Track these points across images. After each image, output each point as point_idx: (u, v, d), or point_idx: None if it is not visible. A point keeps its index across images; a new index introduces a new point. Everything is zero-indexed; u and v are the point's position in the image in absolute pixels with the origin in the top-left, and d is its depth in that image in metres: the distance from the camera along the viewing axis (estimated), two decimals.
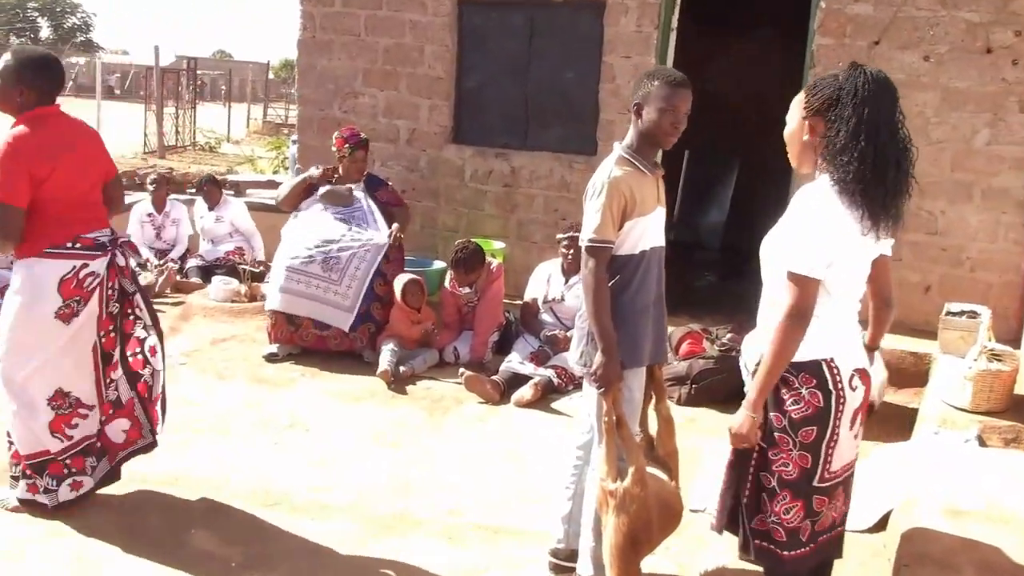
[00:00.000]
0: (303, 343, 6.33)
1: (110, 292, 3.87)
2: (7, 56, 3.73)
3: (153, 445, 4.14)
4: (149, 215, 8.50)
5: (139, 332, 4.00)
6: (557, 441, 4.91)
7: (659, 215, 3.38)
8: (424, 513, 4.24)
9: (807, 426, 2.71)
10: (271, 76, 39.43)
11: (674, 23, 7.20)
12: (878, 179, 2.55)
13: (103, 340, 3.93)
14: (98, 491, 4.10)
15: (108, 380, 3.98)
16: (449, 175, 7.94)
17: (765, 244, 2.80)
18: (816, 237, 2.60)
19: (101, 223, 3.88)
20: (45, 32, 56.04)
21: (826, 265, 2.61)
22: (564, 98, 7.63)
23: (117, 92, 40.24)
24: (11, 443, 3.93)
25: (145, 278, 7.71)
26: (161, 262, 8.20)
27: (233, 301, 7.35)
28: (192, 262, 8.37)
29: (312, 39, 8.21)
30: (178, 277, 8.02)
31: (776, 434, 2.77)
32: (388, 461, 4.80)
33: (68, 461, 3.91)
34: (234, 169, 16.97)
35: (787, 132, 2.82)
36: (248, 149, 21.84)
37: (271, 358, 6.27)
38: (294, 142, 11.81)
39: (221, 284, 7.45)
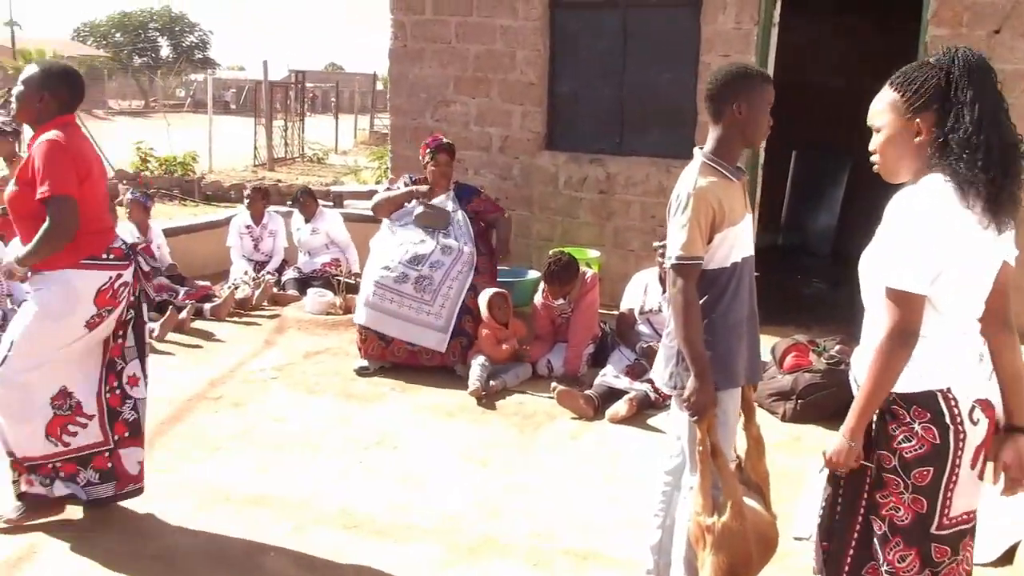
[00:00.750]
0: (394, 359, 6.22)
1: (131, 299, 3.88)
2: (32, 66, 3.84)
3: (141, 491, 4.07)
4: (247, 227, 8.58)
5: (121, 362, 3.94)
6: (653, 460, 4.67)
7: (748, 223, 3.14)
8: (511, 536, 4.06)
9: (922, 466, 2.37)
10: (378, 87, 39.97)
11: (775, 18, 6.87)
12: (1008, 163, 2.24)
13: (111, 346, 3.88)
14: (177, 508, 4.08)
15: (109, 387, 3.90)
16: (543, 182, 7.77)
17: (863, 260, 2.49)
18: (920, 246, 2.26)
19: (114, 232, 3.91)
20: (165, 51, 58.21)
21: (932, 278, 2.28)
22: (660, 100, 7.39)
23: (232, 107, 41.43)
24: (10, 453, 3.85)
25: (243, 290, 7.78)
26: (258, 275, 8.25)
27: (328, 313, 7.33)
28: (289, 274, 8.40)
29: (403, 48, 8.16)
30: (275, 290, 8.05)
31: (885, 475, 2.43)
32: (476, 480, 4.64)
33: (58, 464, 3.85)
34: (340, 180, 17.17)
35: (882, 141, 2.43)
36: (354, 160, 22.12)
37: (362, 372, 6.20)
38: None
39: (316, 296, 7.44)
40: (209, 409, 5.47)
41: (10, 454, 3.83)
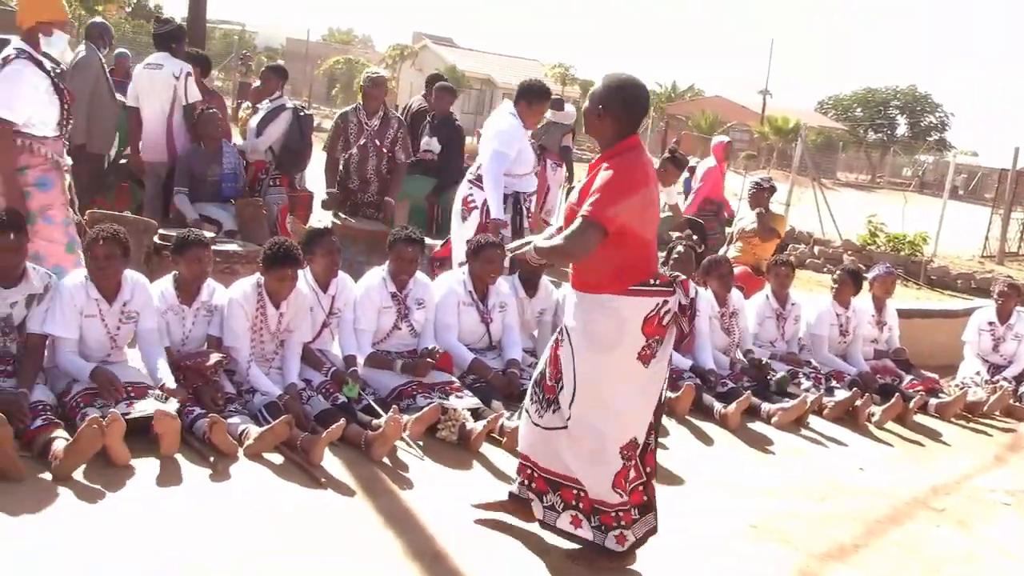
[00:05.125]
0: None
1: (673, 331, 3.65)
2: (599, 81, 3.68)
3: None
4: (990, 324, 7.68)
5: None
6: None
7: None
8: None
9: None
10: None
11: None
12: None
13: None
14: None
15: (658, 423, 3.75)
16: None
17: None
18: None
19: (656, 260, 3.74)
20: (901, 128, 57.79)
21: None
22: None
23: (961, 192, 39.51)
24: (574, 484, 3.74)
25: (974, 393, 6.97)
26: (993, 378, 7.34)
27: None
28: None
29: None
30: (1012, 400, 7.06)
31: None
32: None
33: (620, 514, 3.68)
34: None
35: None
36: None
37: None
38: None
39: None
40: (930, 521, 4.84)
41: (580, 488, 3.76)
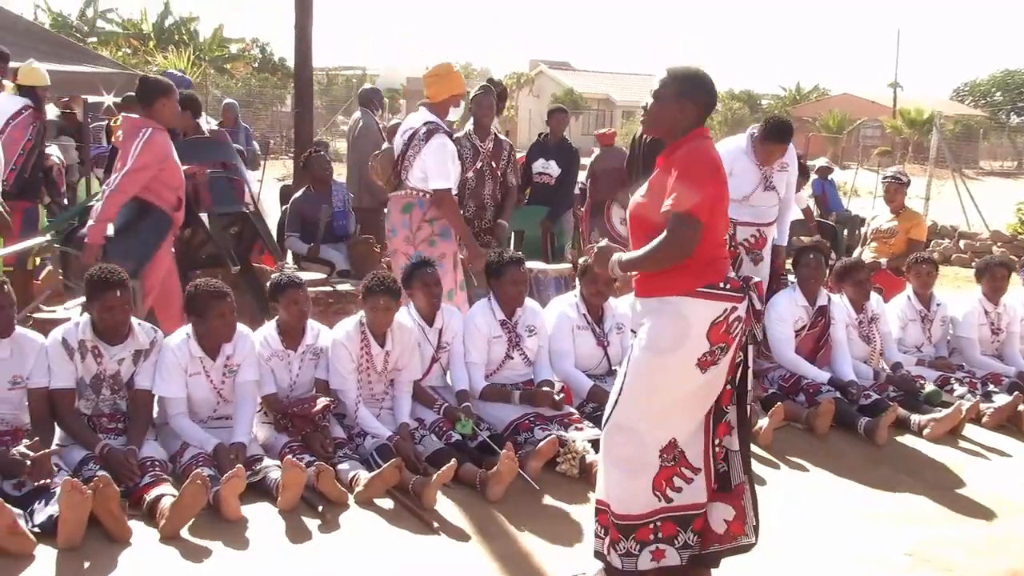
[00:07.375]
0: None
1: (742, 338, 3.38)
2: (663, 72, 3.42)
3: (752, 545, 3.48)
4: None
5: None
6: None
7: None
8: None
9: None
10: None
11: None
12: None
13: (721, 391, 3.41)
14: None
15: (717, 442, 3.44)
16: None
17: None
18: None
19: (728, 260, 3.47)
20: None
21: None
22: None
23: None
24: (605, 505, 3.46)
25: None
26: None
27: None
28: None
29: None
30: None
31: None
32: None
33: (658, 524, 3.39)
34: None
35: None
36: None
37: None
38: None
39: None
40: None
41: (606, 511, 3.44)
